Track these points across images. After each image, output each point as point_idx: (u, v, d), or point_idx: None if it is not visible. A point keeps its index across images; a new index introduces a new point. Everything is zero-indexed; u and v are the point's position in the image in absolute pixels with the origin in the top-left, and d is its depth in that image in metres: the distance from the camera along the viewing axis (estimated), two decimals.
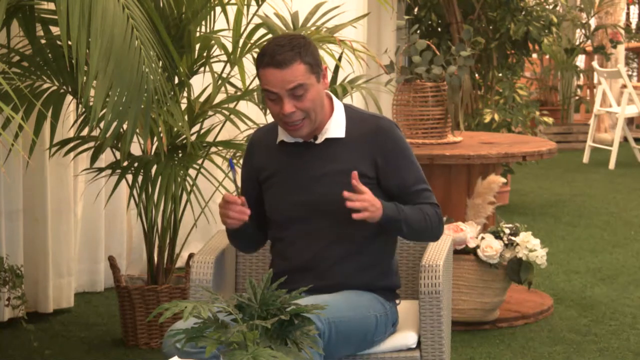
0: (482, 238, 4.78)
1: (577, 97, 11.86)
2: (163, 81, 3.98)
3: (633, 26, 13.33)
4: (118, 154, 4.50)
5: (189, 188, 4.39)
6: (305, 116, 3.13)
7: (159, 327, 4.56)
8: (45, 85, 4.38)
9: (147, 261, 4.67)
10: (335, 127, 3.23)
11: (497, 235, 4.81)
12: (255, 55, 4.54)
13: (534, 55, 9.76)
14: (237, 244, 3.45)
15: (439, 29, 7.71)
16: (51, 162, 4.83)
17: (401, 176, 3.22)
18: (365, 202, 3.08)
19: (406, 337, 3.26)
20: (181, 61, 4.39)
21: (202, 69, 4.60)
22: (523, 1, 7.48)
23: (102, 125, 4.07)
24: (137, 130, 4.01)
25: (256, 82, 4.63)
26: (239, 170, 3.39)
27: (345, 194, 3.07)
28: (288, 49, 3.08)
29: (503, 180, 5.05)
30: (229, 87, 4.69)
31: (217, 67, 4.66)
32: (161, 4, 4.33)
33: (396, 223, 3.18)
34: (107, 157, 4.88)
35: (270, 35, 4.55)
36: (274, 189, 3.27)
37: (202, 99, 4.64)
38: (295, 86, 3.09)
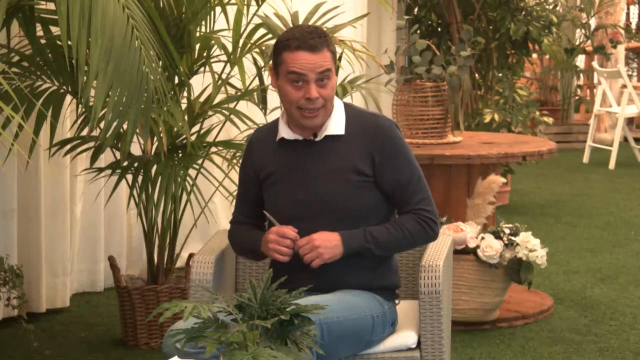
0: (482, 238, 4.78)
1: (577, 97, 11.86)
2: (163, 81, 3.98)
3: (633, 26, 13.33)
4: (118, 154, 4.50)
5: (189, 188, 4.39)
6: (324, 104, 3.16)
7: (159, 327, 4.56)
8: (45, 85, 4.38)
9: (147, 261, 4.67)
10: (335, 125, 3.24)
11: (497, 235, 4.81)
12: (256, 56, 4.60)
13: (534, 55, 9.76)
14: (247, 257, 3.46)
15: (439, 29, 7.72)
16: (46, 161, 4.82)
17: (396, 175, 3.23)
18: (315, 252, 3.14)
19: (406, 337, 3.26)
20: (181, 61, 4.39)
21: (202, 69, 4.60)
22: (523, 1, 7.48)
23: (102, 125, 4.07)
24: (137, 130, 4.01)
25: (256, 82, 4.63)
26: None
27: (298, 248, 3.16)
28: (317, 35, 3.14)
29: (503, 180, 5.05)
30: (228, 87, 4.68)
31: (217, 67, 4.66)
32: (161, 4, 4.33)
33: (365, 250, 3.20)
34: (107, 157, 4.88)
35: (270, 35, 4.55)
36: (274, 187, 3.27)
37: (202, 99, 4.64)
38: (324, 70, 3.13)
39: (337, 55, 4.64)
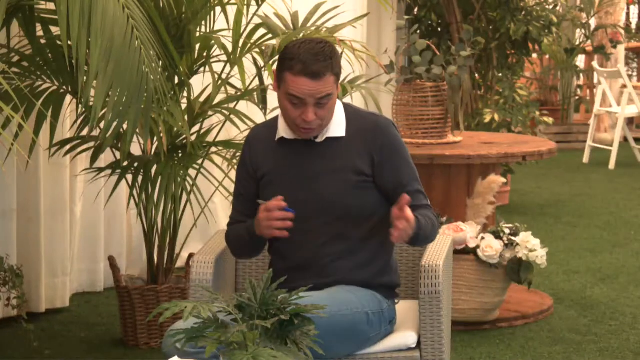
0: (482, 238, 4.78)
1: (577, 97, 11.86)
2: (163, 81, 3.98)
3: (633, 26, 13.33)
4: (118, 154, 4.50)
5: (189, 188, 4.39)
6: (321, 122, 3.16)
7: (159, 327, 4.56)
8: (45, 85, 4.38)
9: (147, 261, 4.67)
10: (336, 126, 3.24)
11: (497, 235, 4.81)
12: (256, 56, 4.60)
13: (534, 55, 9.76)
14: (244, 251, 3.41)
15: (439, 29, 7.72)
16: (45, 161, 4.82)
17: (396, 174, 3.23)
18: (407, 228, 3.07)
19: (406, 337, 3.26)
20: (181, 61, 4.39)
21: (202, 69, 4.60)
22: (523, 1, 7.48)
23: (102, 125, 4.07)
24: (137, 130, 4.01)
25: (256, 82, 4.63)
26: None
27: (396, 214, 3.05)
28: (322, 60, 3.09)
29: (503, 180, 5.05)
30: (228, 87, 4.68)
31: (217, 67, 4.66)
32: (161, 4, 4.33)
33: (415, 236, 3.17)
34: (107, 157, 4.88)
35: (270, 35, 4.55)
36: (273, 187, 3.26)
37: (202, 99, 4.64)
38: (324, 96, 3.11)
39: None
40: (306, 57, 3.09)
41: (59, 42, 4.27)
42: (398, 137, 3.27)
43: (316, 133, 3.20)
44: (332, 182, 3.20)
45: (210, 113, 4.59)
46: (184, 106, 4.54)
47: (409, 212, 3.06)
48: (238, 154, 4.54)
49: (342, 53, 4.64)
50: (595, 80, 11.68)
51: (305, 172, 3.23)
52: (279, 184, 3.25)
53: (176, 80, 4.46)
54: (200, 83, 4.75)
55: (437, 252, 3.36)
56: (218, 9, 4.53)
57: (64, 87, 4.38)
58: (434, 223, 3.25)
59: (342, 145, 3.23)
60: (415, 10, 7.71)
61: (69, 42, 3.63)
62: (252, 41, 4.58)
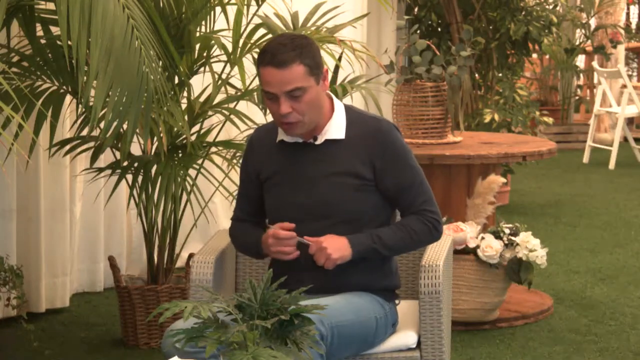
0: (482, 238, 4.78)
1: (577, 97, 11.86)
2: (163, 81, 3.98)
3: (633, 26, 13.33)
4: (118, 154, 4.50)
5: (189, 188, 4.39)
6: (301, 117, 3.13)
7: (159, 327, 4.56)
8: (45, 85, 4.38)
9: (147, 261, 4.67)
10: (336, 129, 3.22)
11: (497, 235, 4.81)
12: (256, 56, 4.60)
13: (534, 55, 9.76)
14: (250, 255, 3.45)
15: (439, 29, 7.72)
16: (46, 161, 4.82)
17: (396, 179, 3.21)
18: (323, 253, 3.13)
19: (406, 337, 3.26)
20: (181, 61, 4.39)
21: (202, 69, 4.60)
22: (523, 1, 7.48)
23: (102, 125, 4.07)
24: (137, 130, 4.01)
25: (256, 82, 4.63)
26: None
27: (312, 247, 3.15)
28: (289, 49, 3.06)
29: (503, 180, 5.05)
30: (228, 87, 4.69)
31: (217, 67, 4.66)
32: (161, 4, 4.33)
33: (373, 252, 3.19)
34: (107, 157, 4.88)
35: (270, 36, 4.55)
36: (274, 189, 3.27)
37: (202, 99, 4.64)
38: (293, 89, 3.08)
39: (338, 56, 4.67)
40: (274, 48, 3.08)
41: (59, 42, 4.27)
42: (400, 141, 3.24)
43: (300, 129, 3.16)
44: (332, 185, 3.19)
45: (210, 113, 4.59)
46: (184, 106, 4.54)
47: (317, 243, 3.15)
48: (238, 154, 4.54)
49: (342, 53, 4.65)
50: (595, 80, 11.68)
51: (305, 175, 3.22)
52: (281, 187, 3.25)
53: (176, 80, 4.46)
54: (200, 83, 4.75)
55: (437, 252, 3.36)
56: (218, 9, 4.53)
57: (64, 87, 4.38)
58: (414, 231, 3.22)
59: (341, 148, 3.21)
60: (415, 10, 7.71)
61: (69, 42, 3.63)
62: (252, 41, 4.58)
